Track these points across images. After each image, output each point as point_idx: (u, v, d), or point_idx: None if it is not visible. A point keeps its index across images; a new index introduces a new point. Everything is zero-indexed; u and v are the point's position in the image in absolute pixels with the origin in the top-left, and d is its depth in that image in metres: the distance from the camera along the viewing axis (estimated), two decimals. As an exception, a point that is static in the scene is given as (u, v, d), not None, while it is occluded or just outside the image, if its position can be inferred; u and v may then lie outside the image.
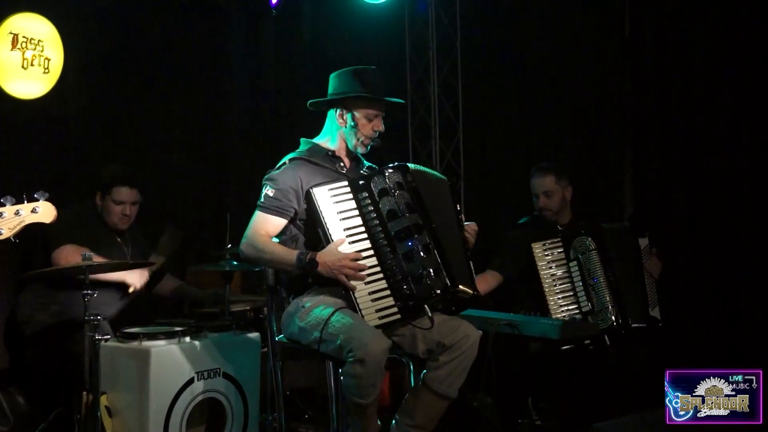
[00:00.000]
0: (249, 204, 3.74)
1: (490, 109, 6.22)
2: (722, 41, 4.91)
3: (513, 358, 4.35)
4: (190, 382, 3.88)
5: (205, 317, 4.60)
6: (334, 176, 3.69)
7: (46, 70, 4.69)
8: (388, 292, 3.49)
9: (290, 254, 3.53)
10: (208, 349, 3.98)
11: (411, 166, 3.71)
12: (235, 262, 4.51)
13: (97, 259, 3.98)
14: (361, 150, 3.76)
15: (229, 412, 4.04)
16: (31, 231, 3.09)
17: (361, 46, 6.12)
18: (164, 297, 4.75)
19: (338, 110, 3.74)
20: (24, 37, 4.58)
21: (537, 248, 4.48)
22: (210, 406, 4.02)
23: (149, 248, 4.64)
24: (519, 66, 6.03)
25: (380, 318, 3.46)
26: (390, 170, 3.64)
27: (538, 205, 4.67)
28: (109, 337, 3.88)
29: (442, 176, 3.90)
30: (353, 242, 3.51)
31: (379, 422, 3.54)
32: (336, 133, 3.78)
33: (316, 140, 3.83)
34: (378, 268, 3.51)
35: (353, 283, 3.45)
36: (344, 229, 3.52)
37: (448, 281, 3.52)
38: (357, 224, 3.54)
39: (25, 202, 3.02)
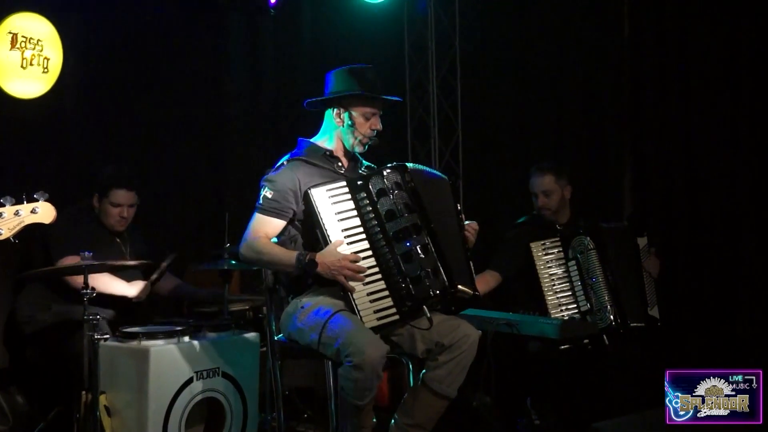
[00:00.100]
0: (248, 203, 3.74)
1: (489, 108, 6.22)
2: (721, 41, 4.91)
3: (512, 358, 4.36)
4: (189, 381, 3.88)
5: (204, 317, 4.59)
6: (332, 176, 3.68)
7: (45, 70, 4.69)
8: (386, 292, 3.49)
9: (289, 255, 3.53)
10: (207, 348, 3.98)
11: (410, 165, 3.71)
12: (234, 262, 4.51)
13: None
14: (359, 149, 3.75)
15: (228, 412, 4.04)
16: (31, 231, 3.09)
17: (360, 46, 6.12)
18: (163, 296, 4.75)
19: (335, 109, 3.73)
20: (23, 36, 4.58)
21: (536, 248, 4.48)
22: (209, 405, 4.02)
23: (148, 247, 4.64)
24: (518, 65, 6.03)
25: (378, 319, 3.46)
26: (388, 170, 3.64)
27: (537, 205, 4.68)
28: (108, 336, 3.88)
29: (443, 175, 3.89)
30: (351, 243, 3.51)
31: (374, 419, 3.55)
32: (333, 132, 3.78)
33: (314, 140, 3.82)
34: (376, 269, 3.51)
35: (352, 284, 3.45)
36: (342, 230, 3.52)
37: (446, 282, 3.53)
38: (355, 225, 3.54)
39: (25, 202, 3.03)
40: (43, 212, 3.04)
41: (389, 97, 3.77)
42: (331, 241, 3.49)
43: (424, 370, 3.60)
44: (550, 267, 4.48)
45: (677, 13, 5.11)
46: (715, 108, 4.93)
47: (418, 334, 3.57)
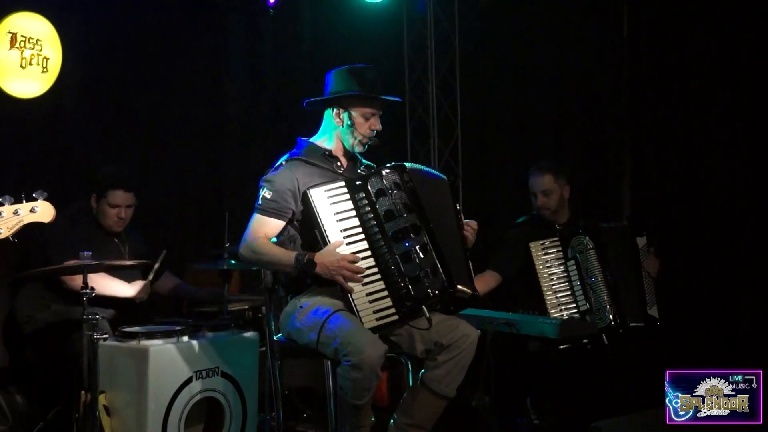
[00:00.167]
0: (248, 203, 3.74)
1: (489, 108, 6.22)
2: (721, 41, 4.91)
3: (511, 358, 4.36)
4: (189, 381, 3.88)
5: (204, 316, 4.60)
6: (332, 176, 3.68)
7: (45, 70, 4.69)
8: (385, 293, 3.49)
9: (288, 256, 3.53)
10: (207, 348, 3.98)
11: (408, 165, 3.70)
12: (233, 262, 4.51)
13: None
14: (359, 149, 3.75)
15: (227, 411, 4.04)
16: (30, 230, 3.09)
17: (359, 46, 6.12)
18: (163, 296, 4.75)
19: (335, 109, 3.73)
20: (22, 36, 4.58)
21: (535, 247, 4.48)
22: (208, 405, 4.02)
23: (146, 247, 4.64)
24: (517, 65, 6.03)
25: (377, 319, 3.46)
26: (387, 170, 3.64)
27: (536, 204, 4.68)
28: (107, 336, 3.88)
29: (442, 175, 3.88)
30: (350, 243, 3.51)
31: (373, 418, 3.55)
32: (333, 132, 3.77)
33: (313, 140, 3.82)
34: (375, 269, 3.50)
35: (351, 284, 3.45)
36: (341, 230, 3.52)
37: (445, 282, 3.52)
38: (354, 225, 3.54)
39: (24, 201, 3.03)
40: (42, 211, 3.04)
41: (389, 98, 3.77)
42: (330, 242, 3.48)
43: (423, 370, 3.60)
44: (549, 267, 4.48)
45: (677, 13, 5.11)
46: (714, 108, 4.93)
47: (417, 333, 3.56)
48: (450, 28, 6.32)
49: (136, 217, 4.59)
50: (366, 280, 3.48)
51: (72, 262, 4.09)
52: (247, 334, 4.21)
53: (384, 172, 3.62)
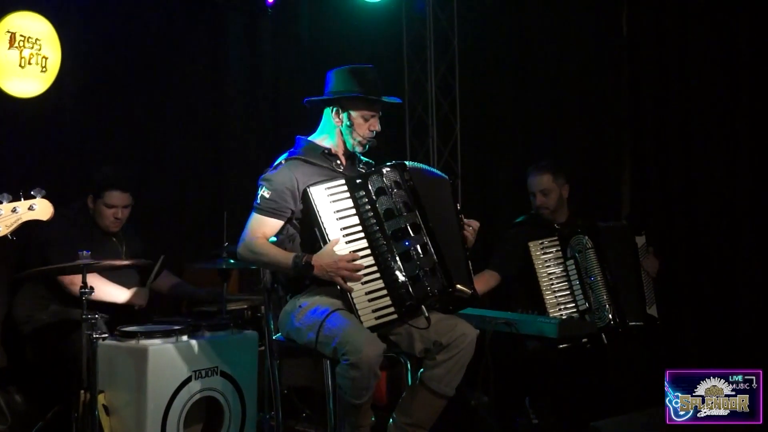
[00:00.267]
0: (247, 202, 3.74)
1: (488, 107, 6.22)
2: (721, 41, 4.91)
3: (510, 357, 4.36)
4: (188, 380, 3.87)
5: (203, 316, 4.59)
6: (331, 175, 3.67)
7: (44, 69, 4.69)
8: (384, 292, 3.49)
9: (287, 257, 3.52)
10: (206, 347, 3.97)
11: (409, 164, 3.70)
12: (232, 261, 4.51)
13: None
14: (359, 149, 3.74)
15: (226, 411, 4.03)
16: (28, 228, 3.08)
17: (358, 45, 6.12)
18: (162, 294, 4.75)
19: (335, 109, 3.72)
20: (21, 35, 4.57)
21: (534, 247, 4.48)
22: (207, 404, 4.02)
23: (144, 246, 4.64)
24: (517, 64, 6.03)
25: (377, 318, 3.46)
26: (387, 169, 3.64)
27: (535, 204, 4.67)
28: (106, 335, 3.88)
29: (443, 174, 3.88)
30: (350, 242, 3.51)
31: (373, 418, 3.55)
32: (332, 131, 3.76)
33: (312, 138, 3.81)
34: (375, 268, 3.50)
35: (350, 284, 3.45)
36: (341, 229, 3.51)
37: (445, 281, 3.52)
38: (354, 223, 3.53)
39: (22, 199, 3.02)
40: (41, 209, 3.04)
41: (389, 99, 3.76)
42: (329, 240, 3.48)
43: (422, 369, 3.60)
44: (548, 266, 4.48)
45: (677, 12, 5.11)
46: (714, 107, 4.94)
47: (416, 333, 3.56)
48: (449, 28, 6.32)
49: (136, 216, 4.59)
50: (365, 279, 3.47)
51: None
52: (247, 334, 4.21)
53: (384, 171, 3.62)
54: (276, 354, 3.84)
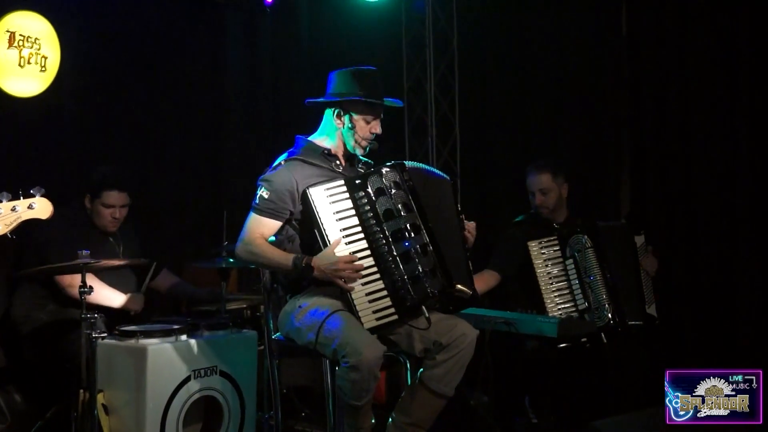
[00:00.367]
0: (246, 202, 3.73)
1: (487, 107, 6.21)
2: (720, 40, 4.91)
3: (510, 357, 4.36)
4: (187, 380, 3.87)
5: (202, 315, 4.59)
6: (330, 175, 3.66)
7: (43, 69, 4.69)
8: (385, 292, 3.48)
9: (286, 258, 3.52)
10: (205, 347, 3.97)
11: (408, 164, 3.70)
12: (232, 260, 4.51)
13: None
14: (359, 152, 3.73)
15: (225, 410, 4.03)
16: (28, 227, 3.08)
17: (358, 45, 6.12)
18: (161, 293, 4.75)
19: (336, 111, 3.71)
20: (21, 35, 4.57)
21: (533, 246, 4.48)
22: (207, 404, 4.02)
23: (141, 246, 4.64)
24: (516, 64, 6.02)
25: (377, 319, 3.46)
26: (387, 169, 3.63)
27: (534, 203, 4.67)
28: (105, 334, 3.87)
29: (443, 174, 3.87)
30: (350, 242, 3.50)
31: (373, 420, 3.55)
32: (333, 132, 3.75)
33: (312, 138, 3.80)
34: (375, 269, 3.50)
35: (350, 285, 3.45)
36: (341, 230, 3.51)
37: (445, 282, 3.52)
38: (353, 224, 3.53)
39: (21, 198, 3.02)
40: (40, 207, 3.04)
41: (390, 101, 3.75)
42: (329, 241, 3.47)
43: (421, 369, 3.60)
44: (547, 266, 4.48)
45: (677, 12, 5.10)
46: (713, 107, 4.93)
47: (416, 333, 3.56)
48: (449, 28, 6.32)
49: (135, 216, 4.58)
50: (365, 279, 3.47)
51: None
52: (246, 333, 4.21)
53: (384, 171, 3.61)
54: (275, 354, 3.84)
